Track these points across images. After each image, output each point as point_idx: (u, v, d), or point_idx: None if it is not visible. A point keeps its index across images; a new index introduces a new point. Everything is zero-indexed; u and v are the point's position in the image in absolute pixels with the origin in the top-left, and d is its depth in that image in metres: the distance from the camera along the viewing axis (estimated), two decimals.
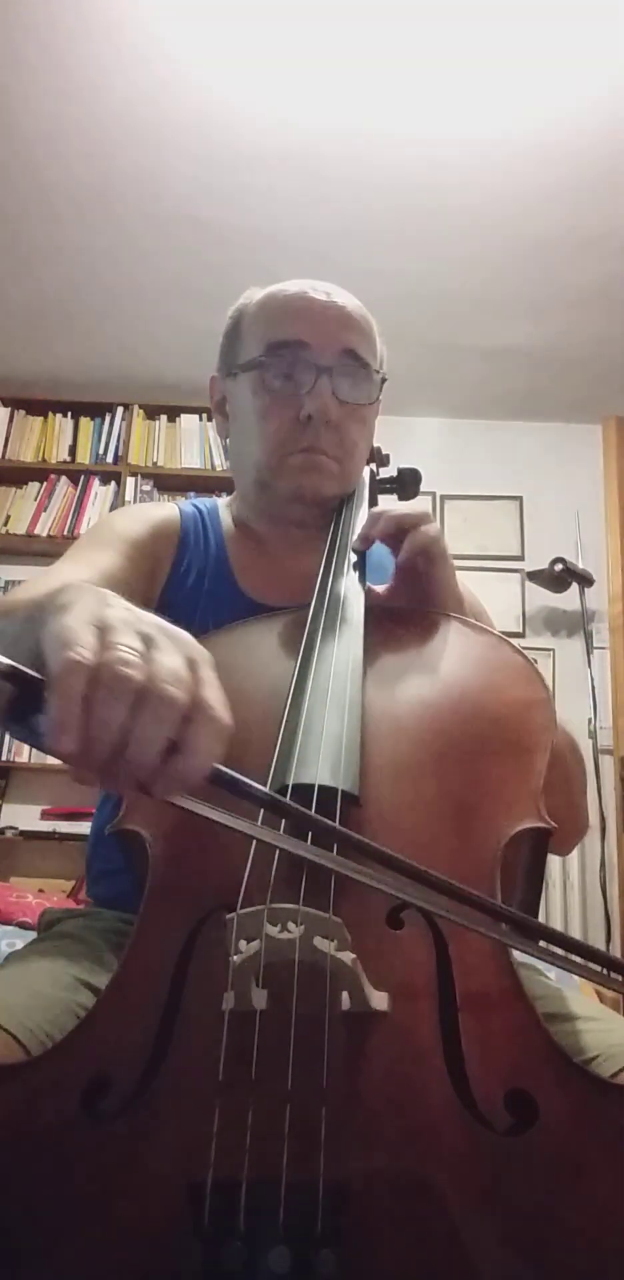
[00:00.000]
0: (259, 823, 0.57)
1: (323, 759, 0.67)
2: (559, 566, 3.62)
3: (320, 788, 0.64)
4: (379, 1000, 0.55)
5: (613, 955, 0.54)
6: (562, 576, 3.64)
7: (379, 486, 1.12)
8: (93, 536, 1.07)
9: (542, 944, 0.55)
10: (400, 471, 1.12)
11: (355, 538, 0.96)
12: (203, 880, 0.66)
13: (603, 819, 3.47)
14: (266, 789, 0.54)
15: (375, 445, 1.12)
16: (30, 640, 0.52)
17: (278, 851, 0.62)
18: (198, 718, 0.48)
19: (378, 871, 0.53)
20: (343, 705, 0.73)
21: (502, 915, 0.55)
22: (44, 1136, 0.53)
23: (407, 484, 1.11)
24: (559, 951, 0.52)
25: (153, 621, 0.52)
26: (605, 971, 0.54)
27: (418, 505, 0.93)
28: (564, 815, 0.81)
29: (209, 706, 0.49)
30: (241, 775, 0.52)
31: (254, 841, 0.62)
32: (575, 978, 2.13)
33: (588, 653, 3.62)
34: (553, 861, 3.48)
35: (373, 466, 1.13)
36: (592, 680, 3.59)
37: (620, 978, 0.57)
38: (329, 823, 0.56)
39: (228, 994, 0.54)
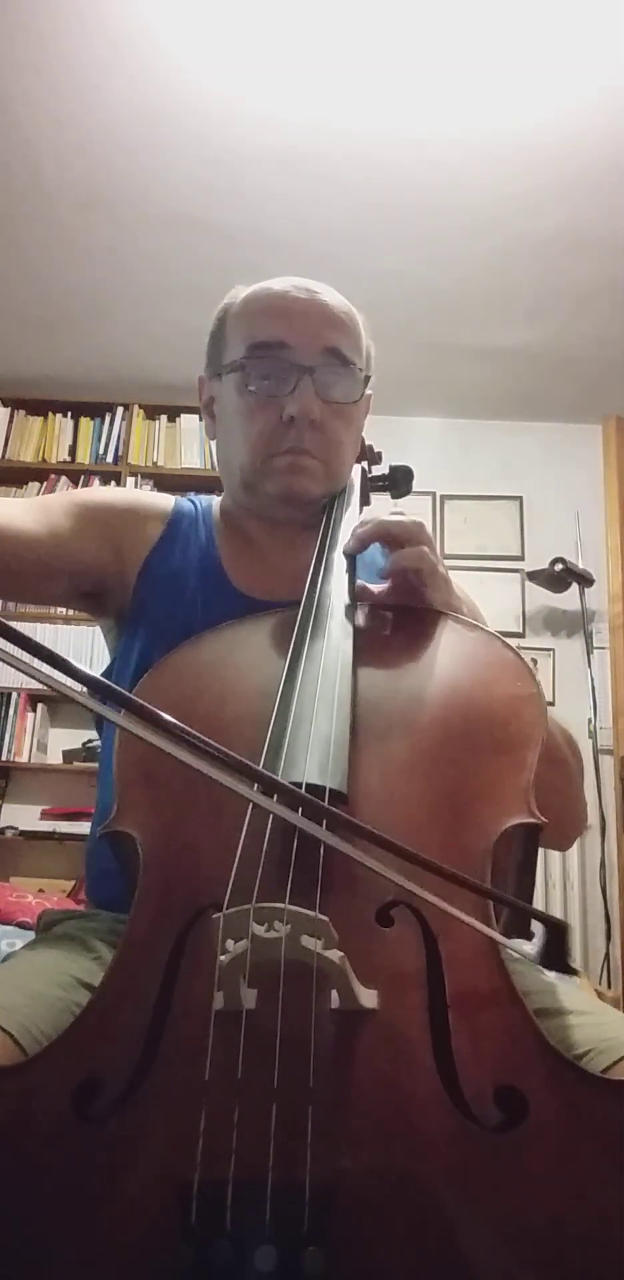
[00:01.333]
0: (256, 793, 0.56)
1: (311, 757, 0.67)
2: (559, 566, 3.62)
3: (308, 786, 0.64)
4: (368, 998, 0.55)
5: None
6: (562, 576, 3.64)
7: (371, 484, 1.12)
8: (65, 493, 1.09)
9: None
10: (392, 469, 1.12)
11: (346, 542, 0.96)
12: (192, 881, 0.65)
13: (603, 819, 3.48)
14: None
15: (368, 443, 1.12)
16: None
17: (265, 850, 0.62)
18: None
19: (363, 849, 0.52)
20: (331, 703, 0.73)
21: (491, 895, 0.54)
22: (36, 1137, 0.53)
23: (398, 481, 1.11)
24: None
25: None
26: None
27: (410, 517, 0.92)
28: (563, 810, 0.81)
29: None
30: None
31: (242, 840, 0.63)
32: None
33: (588, 653, 3.62)
34: (553, 861, 3.49)
35: (364, 464, 1.12)
36: (592, 680, 3.59)
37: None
38: (274, 777, 0.56)
39: (217, 994, 0.54)
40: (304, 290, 1.03)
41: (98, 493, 1.11)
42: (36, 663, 0.46)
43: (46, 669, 0.45)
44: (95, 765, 1.36)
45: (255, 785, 0.54)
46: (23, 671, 0.45)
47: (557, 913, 3.51)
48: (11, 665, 0.44)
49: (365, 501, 1.10)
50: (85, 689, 0.47)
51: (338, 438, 1.03)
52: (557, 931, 0.57)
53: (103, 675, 1.07)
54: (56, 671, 0.45)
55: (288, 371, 0.99)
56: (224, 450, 1.09)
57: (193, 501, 1.14)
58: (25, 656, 0.44)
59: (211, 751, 0.48)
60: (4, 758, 3.52)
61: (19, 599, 1.09)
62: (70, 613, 3.38)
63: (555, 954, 0.57)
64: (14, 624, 0.46)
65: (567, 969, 0.58)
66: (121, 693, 0.49)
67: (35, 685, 2.39)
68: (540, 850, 0.74)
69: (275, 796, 0.57)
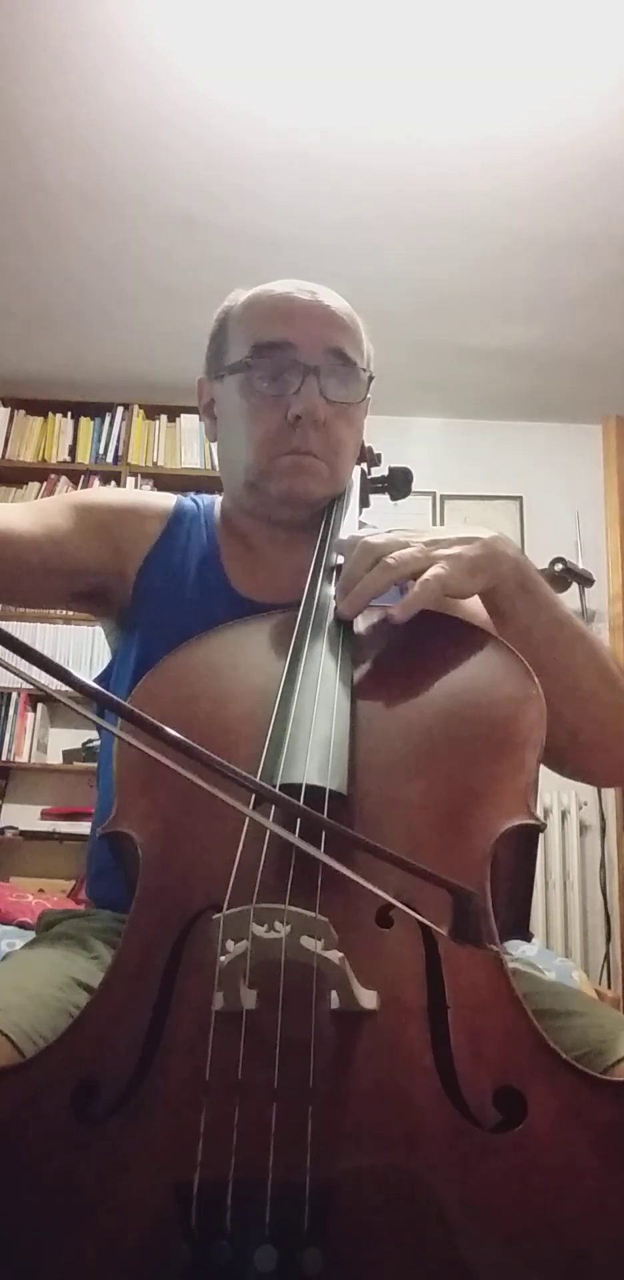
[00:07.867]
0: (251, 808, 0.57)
1: (311, 758, 0.67)
2: (559, 566, 3.61)
3: (308, 787, 0.64)
4: (368, 999, 0.55)
5: None
6: (562, 576, 3.63)
7: (370, 486, 1.12)
8: (63, 496, 1.10)
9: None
10: (391, 471, 1.12)
11: (340, 607, 0.86)
12: (191, 882, 0.65)
13: (603, 819, 3.48)
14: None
15: (367, 445, 1.12)
16: None
17: (265, 851, 0.62)
18: None
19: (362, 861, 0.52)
20: (331, 705, 0.73)
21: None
22: (34, 1138, 0.53)
23: (397, 483, 1.11)
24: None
25: None
26: None
27: (385, 537, 0.84)
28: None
29: None
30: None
31: (241, 842, 0.63)
32: (573, 973, 2.13)
33: None
34: (553, 861, 3.49)
35: (364, 466, 1.13)
36: None
37: None
38: (282, 794, 0.55)
39: (216, 994, 0.54)
40: (307, 292, 1.03)
41: (96, 493, 1.11)
42: (35, 670, 0.46)
43: (44, 676, 0.45)
44: (95, 765, 1.36)
45: (251, 800, 0.54)
46: (21, 677, 0.45)
47: (556, 913, 3.53)
48: (9, 670, 0.44)
49: (364, 503, 1.10)
50: (82, 694, 0.47)
51: (341, 438, 1.03)
52: (460, 900, 0.57)
53: (102, 675, 1.08)
54: (54, 679, 0.45)
55: (292, 371, 0.99)
56: (226, 452, 1.09)
57: (195, 501, 1.14)
58: (24, 665, 0.44)
59: (210, 763, 0.48)
60: (4, 758, 3.52)
61: (17, 602, 1.09)
62: (70, 614, 3.39)
63: (462, 925, 0.57)
64: (13, 625, 0.46)
65: (478, 942, 0.57)
66: (119, 702, 0.49)
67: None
68: (540, 850, 0.74)
69: (272, 813, 0.57)
